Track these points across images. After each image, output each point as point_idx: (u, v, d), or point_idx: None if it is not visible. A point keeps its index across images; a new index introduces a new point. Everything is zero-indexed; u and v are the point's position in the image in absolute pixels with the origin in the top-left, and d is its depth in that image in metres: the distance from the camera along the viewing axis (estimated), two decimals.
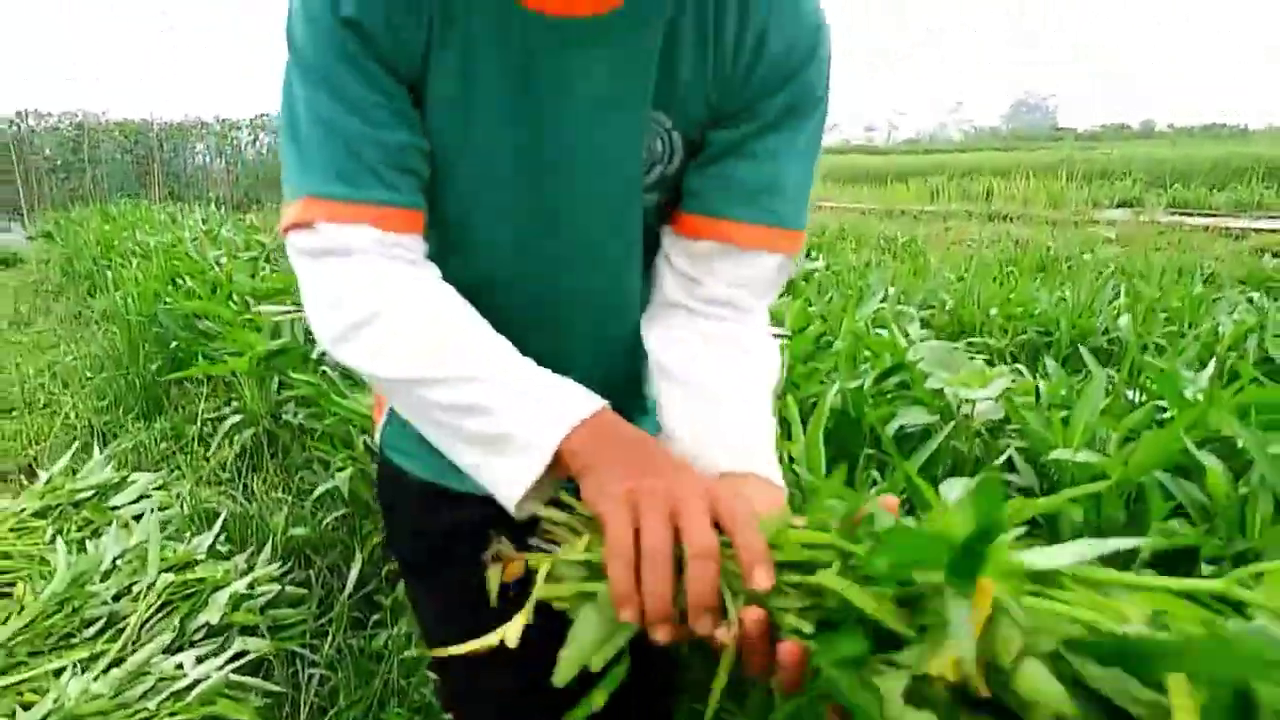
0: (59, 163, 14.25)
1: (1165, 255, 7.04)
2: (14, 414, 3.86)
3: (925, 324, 3.10)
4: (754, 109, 0.80)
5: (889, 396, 1.82)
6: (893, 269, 4.45)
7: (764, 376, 0.84)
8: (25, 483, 3.05)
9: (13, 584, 2.20)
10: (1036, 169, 16.89)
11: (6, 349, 5.00)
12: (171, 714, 1.66)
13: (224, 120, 15.16)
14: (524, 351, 0.74)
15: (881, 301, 2.89)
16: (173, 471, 2.81)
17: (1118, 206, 11.62)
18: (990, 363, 2.71)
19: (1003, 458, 1.59)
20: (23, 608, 1.94)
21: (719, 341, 0.83)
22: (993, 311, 3.29)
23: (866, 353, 2.01)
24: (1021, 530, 0.57)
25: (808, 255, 5.43)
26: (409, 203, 0.76)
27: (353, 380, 2.32)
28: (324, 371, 2.42)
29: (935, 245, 8.33)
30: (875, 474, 1.57)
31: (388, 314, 0.72)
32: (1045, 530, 1.48)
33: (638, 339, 0.89)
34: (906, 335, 2.36)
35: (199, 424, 3.01)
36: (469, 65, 0.75)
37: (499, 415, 0.69)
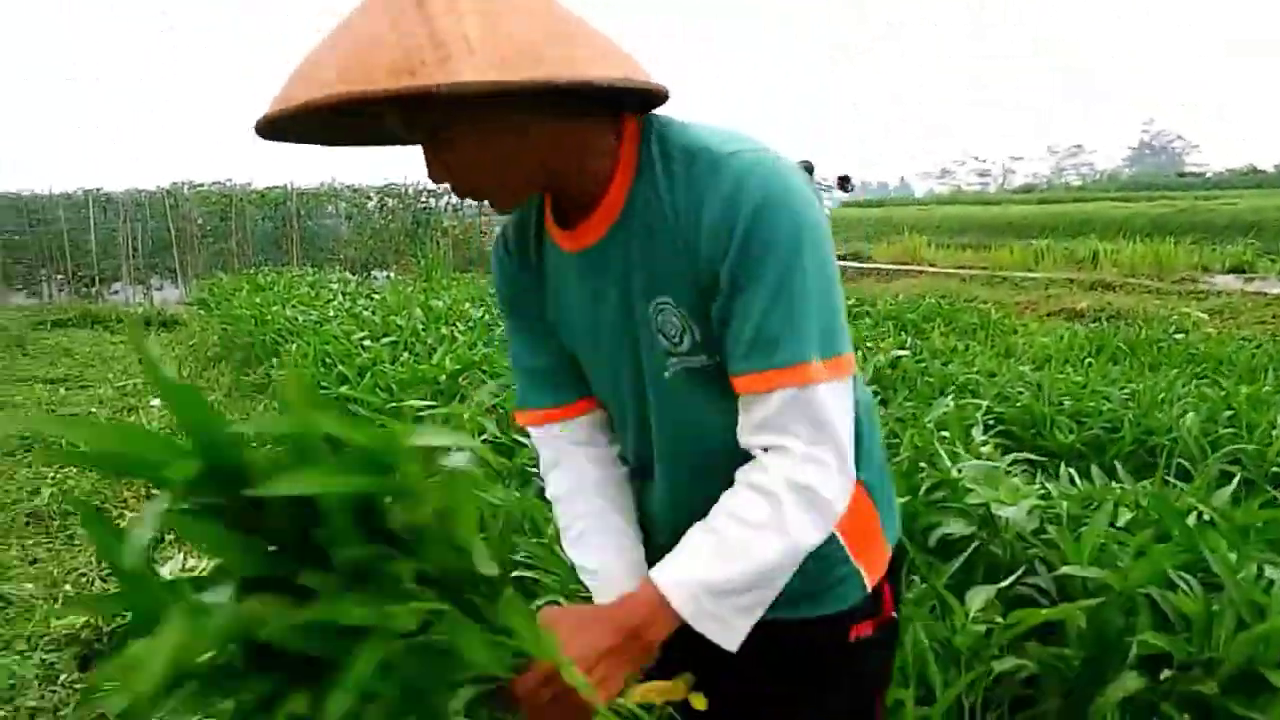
0: (209, 228, 15.54)
1: (1267, 330, 7.03)
2: None
3: (999, 419, 3.37)
4: (720, 277, 0.94)
5: (937, 505, 2.14)
6: (974, 354, 4.69)
7: (733, 504, 0.96)
8: None
9: None
10: (1151, 223, 16.61)
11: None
12: None
13: (354, 188, 16.31)
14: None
15: (951, 400, 3.18)
16: None
17: (1229, 271, 11.42)
18: (1053, 459, 2.99)
19: (1024, 567, 1.89)
20: None
21: (738, 481, 0.98)
22: (1065, 403, 3.55)
23: (922, 464, 2.33)
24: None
25: (901, 331, 5.71)
26: (558, 401, 1.16)
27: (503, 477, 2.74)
28: None
29: (1032, 313, 8.47)
30: (917, 578, 1.89)
31: (547, 482, 1.19)
32: (1058, 633, 1.79)
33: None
34: (968, 439, 2.66)
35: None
36: (551, 295, 1.11)
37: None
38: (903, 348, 4.70)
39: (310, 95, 0.82)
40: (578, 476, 1.16)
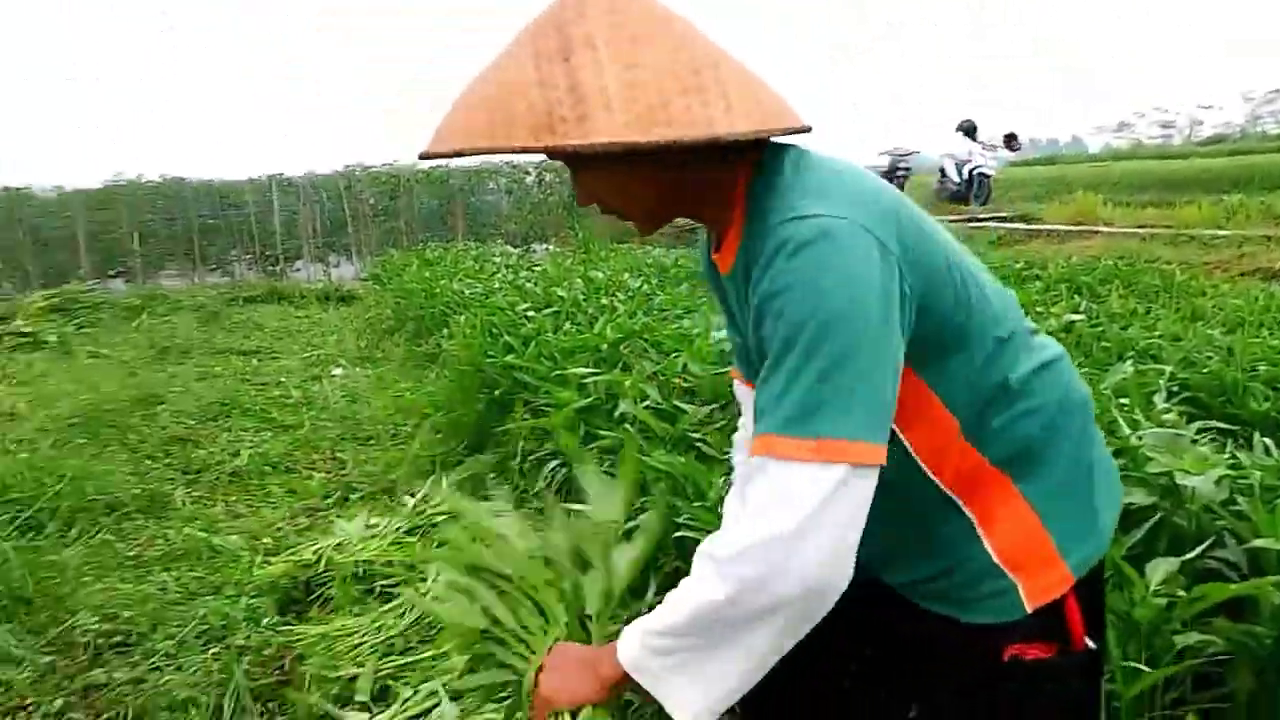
0: (380, 208, 16.34)
1: None
2: (372, 443, 4.76)
3: (1183, 386, 3.18)
4: (761, 341, 1.00)
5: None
6: (1157, 318, 4.42)
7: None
8: (389, 502, 3.83)
9: (395, 586, 2.88)
10: None
11: (360, 383, 6.06)
12: None
13: (513, 164, 16.77)
14: None
15: (1130, 366, 3.02)
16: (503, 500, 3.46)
17: None
18: (1245, 428, 2.80)
19: (1210, 539, 1.80)
20: (413, 606, 2.59)
21: None
22: (1260, 368, 3.30)
23: None
24: None
25: (1075, 295, 5.43)
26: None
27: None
28: (625, 427, 2.94)
29: (1223, 274, 7.85)
30: None
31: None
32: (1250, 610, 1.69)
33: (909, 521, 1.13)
34: (1149, 406, 2.53)
35: (520, 460, 3.66)
36: (722, 297, 1.23)
37: None
38: (1076, 311, 4.48)
39: (462, 145, 0.97)
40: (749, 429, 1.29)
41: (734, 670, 1.02)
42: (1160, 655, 1.63)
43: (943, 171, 16.07)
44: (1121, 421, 2.25)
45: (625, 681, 1.09)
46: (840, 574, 0.96)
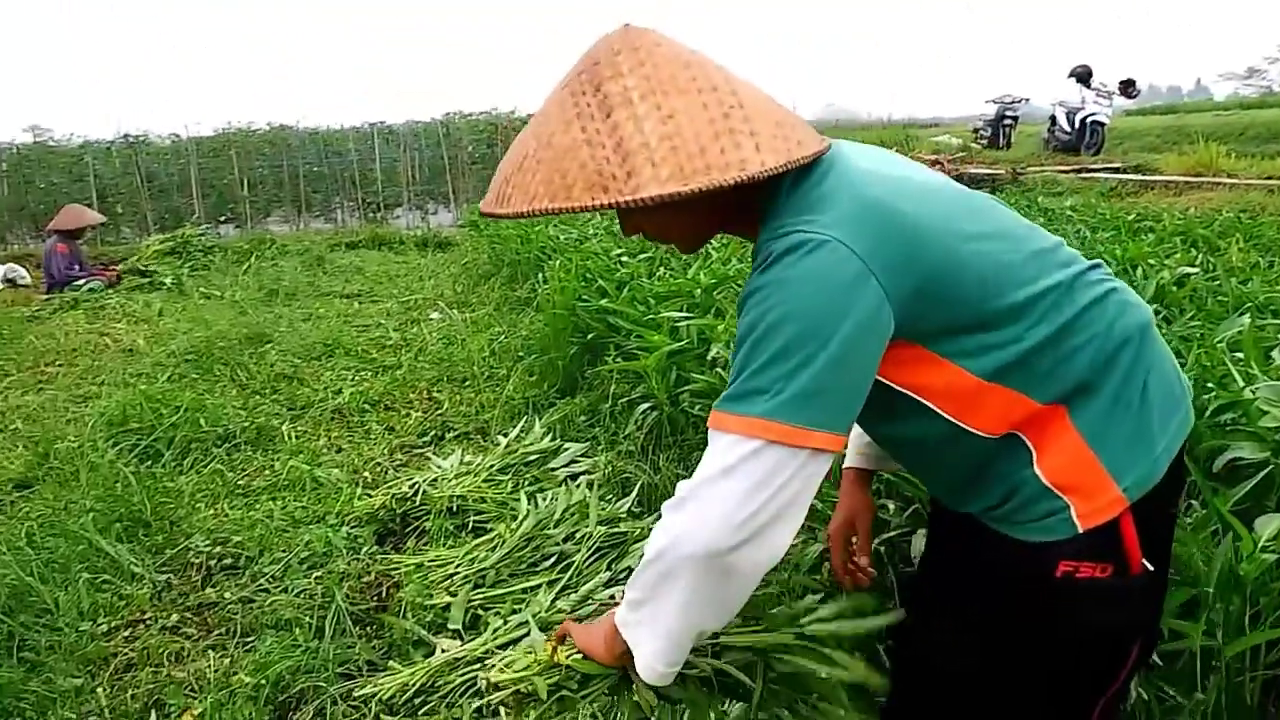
0: (477, 155, 16.51)
1: None
2: (467, 384, 4.85)
3: None
4: None
5: (1225, 428, 1.95)
6: None
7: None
8: (482, 441, 3.91)
9: (487, 522, 2.94)
10: None
11: (456, 326, 6.17)
12: None
13: None
14: None
15: (1247, 319, 2.86)
16: (593, 443, 3.49)
17: None
18: None
19: None
20: (504, 541, 2.64)
21: None
22: None
23: (1210, 385, 2.12)
24: None
25: (1191, 248, 5.16)
26: None
27: None
28: (717, 371, 2.93)
29: None
30: (1195, 503, 1.75)
31: None
32: None
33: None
34: (1266, 361, 2.39)
35: (611, 403, 3.68)
36: None
37: None
38: (1192, 264, 4.26)
39: (523, 208, 1.10)
40: None
41: (672, 626, 1.22)
42: (1266, 613, 1.55)
43: (1053, 120, 15.39)
44: (1236, 375, 2.13)
45: (618, 638, 1.35)
46: (734, 540, 1.09)
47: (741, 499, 1.08)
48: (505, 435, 3.60)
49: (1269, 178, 10.31)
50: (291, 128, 16.73)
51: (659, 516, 1.19)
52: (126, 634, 2.54)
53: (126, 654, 2.44)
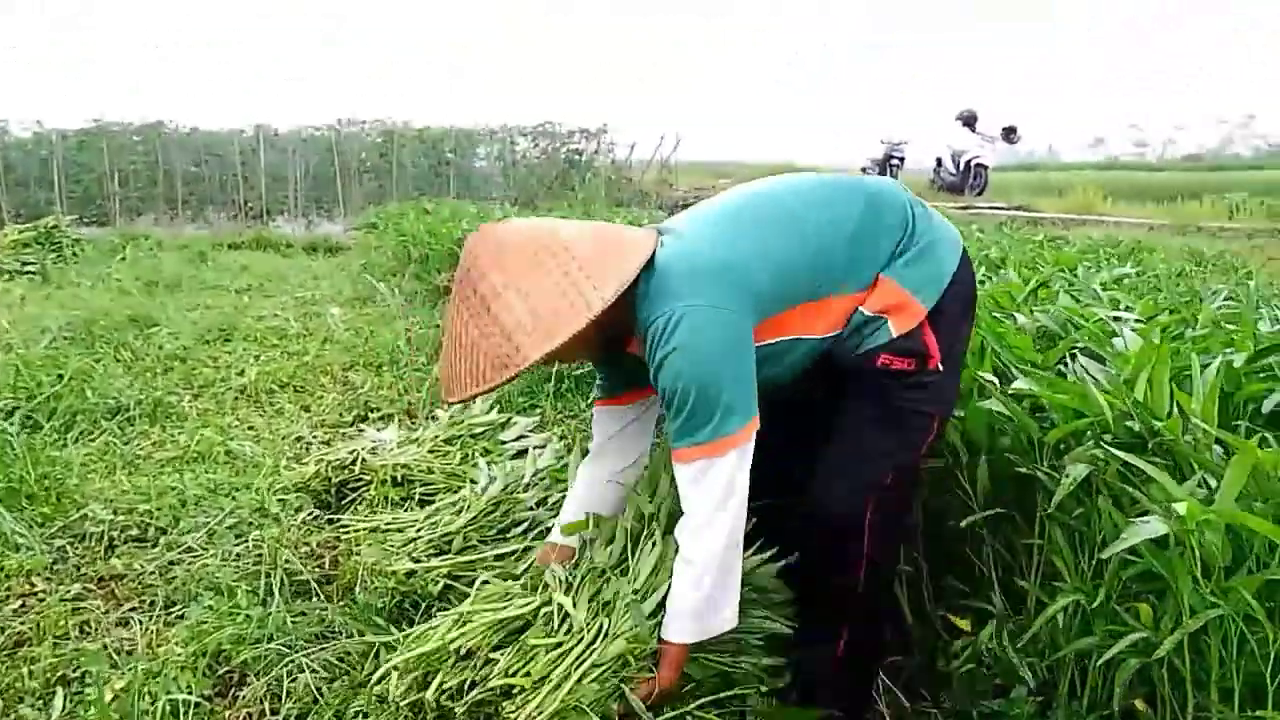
0: (369, 164, 15.95)
1: None
2: (383, 370, 4.51)
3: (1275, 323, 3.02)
4: (661, 392, 1.56)
5: (1261, 375, 1.87)
6: (1222, 277, 4.28)
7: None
8: (410, 422, 3.59)
9: (435, 493, 2.66)
10: None
11: (359, 320, 5.80)
12: None
13: (508, 127, 16.45)
14: None
15: (1226, 299, 2.87)
16: (541, 416, 3.25)
17: None
18: None
19: None
20: (469, 505, 2.36)
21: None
22: None
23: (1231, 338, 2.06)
24: None
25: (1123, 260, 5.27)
26: None
27: None
28: None
29: (1249, 262, 7.75)
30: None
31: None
32: None
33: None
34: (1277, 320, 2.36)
35: (553, 380, 3.44)
36: None
37: None
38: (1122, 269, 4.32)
39: (459, 396, 1.49)
40: None
41: (734, 582, 1.59)
42: None
43: (939, 162, 15.97)
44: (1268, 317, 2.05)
45: (684, 650, 1.58)
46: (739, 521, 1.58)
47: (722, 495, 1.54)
48: (436, 416, 3.31)
49: (1145, 219, 10.89)
50: (166, 125, 15.77)
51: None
52: (16, 606, 2.14)
53: (16, 629, 2.05)
